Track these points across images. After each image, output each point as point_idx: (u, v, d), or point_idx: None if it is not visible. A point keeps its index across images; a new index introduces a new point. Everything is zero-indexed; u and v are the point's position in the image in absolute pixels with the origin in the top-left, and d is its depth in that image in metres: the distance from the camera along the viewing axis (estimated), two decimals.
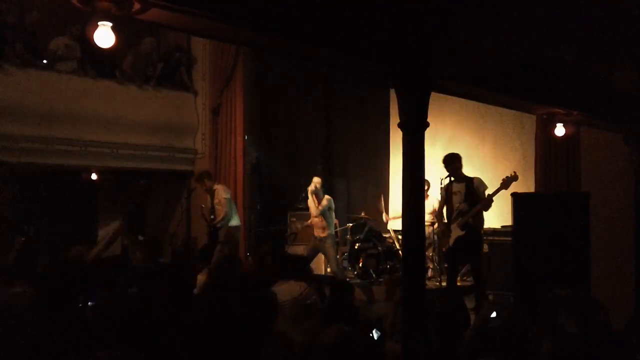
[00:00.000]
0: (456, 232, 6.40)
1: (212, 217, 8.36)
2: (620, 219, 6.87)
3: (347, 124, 10.91)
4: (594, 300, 3.80)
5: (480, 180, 6.42)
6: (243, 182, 9.50)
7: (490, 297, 6.87)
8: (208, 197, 8.48)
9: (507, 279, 6.74)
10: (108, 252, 7.91)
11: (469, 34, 4.05)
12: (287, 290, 4.63)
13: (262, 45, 4.48)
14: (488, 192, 6.33)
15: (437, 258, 8.39)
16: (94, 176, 9.66)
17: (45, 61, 8.30)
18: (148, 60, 9.26)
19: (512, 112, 7.89)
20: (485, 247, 7.24)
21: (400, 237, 7.86)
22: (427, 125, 4.16)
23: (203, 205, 8.63)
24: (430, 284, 7.75)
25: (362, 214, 9.24)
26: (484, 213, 6.47)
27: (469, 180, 6.41)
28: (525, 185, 7.48)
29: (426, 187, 8.04)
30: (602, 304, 3.71)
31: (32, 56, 7.99)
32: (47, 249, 7.41)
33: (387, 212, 9.27)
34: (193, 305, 3.16)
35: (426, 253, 7.80)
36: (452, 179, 6.46)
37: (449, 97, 6.53)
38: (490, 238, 7.48)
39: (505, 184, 6.26)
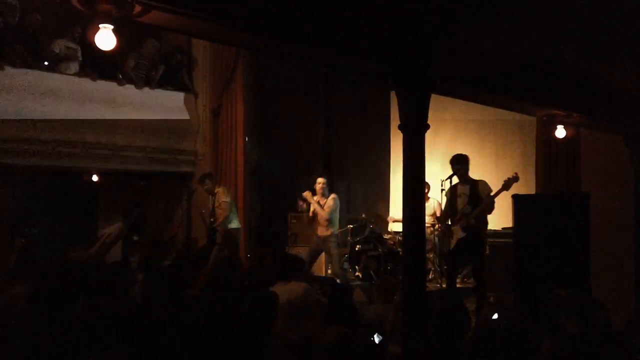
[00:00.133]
0: (458, 233, 6.40)
1: (212, 219, 8.37)
2: (621, 220, 6.88)
3: (348, 125, 10.92)
4: (594, 300, 3.81)
5: (485, 184, 6.41)
6: (243, 183, 9.50)
7: (491, 298, 6.87)
8: (209, 198, 8.49)
9: (507, 280, 6.74)
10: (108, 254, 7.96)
11: (469, 34, 4.06)
12: (289, 290, 4.64)
13: (262, 47, 4.48)
14: (492, 194, 6.32)
15: (437, 260, 8.39)
16: (94, 177, 9.67)
17: (46, 63, 8.32)
18: (149, 62, 9.28)
19: (513, 113, 7.89)
20: (486, 249, 7.24)
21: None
22: (428, 126, 4.16)
23: (203, 211, 8.63)
24: (431, 286, 7.75)
25: (363, 215, 9.24)
26: (488, 216, 6.47)
27: (474, 183, 6.40)
28: (525, 186, 7.48)
29: (426, 189, 8.05)
30: (602, 304, 3.71)
31: (32, 58, 8.00)
32: (48, 250, 7.41)
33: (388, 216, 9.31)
34: (193, 306, 3.17)
35: (427, 255, 7.81)
36: (457, 180, 6.46)
37: (450, 98, 6.53)
38: (491, 240, 7.48)
39: (507, 185, 6.26)
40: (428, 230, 8.09)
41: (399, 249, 8.34)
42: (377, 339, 3.39)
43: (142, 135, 9.10)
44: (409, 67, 4.05)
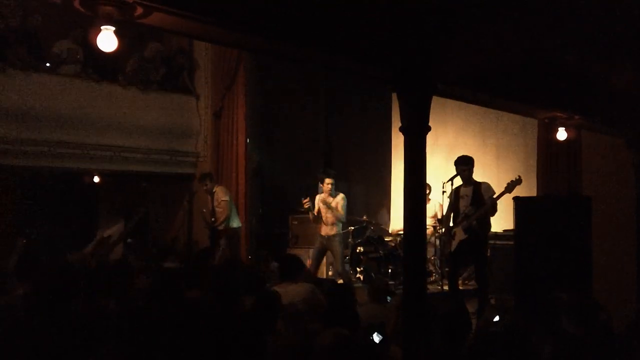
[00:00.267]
0: (460, 235, 6.39)
1: (212, 219, 8.38)
2: (622, 222, 6.87)
3: (349, 127, 10.92)
4: (595, 302, 3.81)
5: (488, 186, 6.40)
6: (245, 185, 9.51)
7: (492, 300, 6.87)
8: (209, 199, 8.50)
9: (508, 282, 6.73)
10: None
11: (470, 34, 4.05)
12: (296, 291, 4.65)
13: (263, 49, 4.50)
14: (494, 196, 6.31)
15: (438, 262, 8.39)
16: (95, 179, 9.68)
17: (48, 64, 8.33)
18: (151, 64, 9.29)
19: (514, 115, 7.90)
20: (488, 251, 7.24)
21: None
22: (429, 128, 4.16)
23: (204, 210, 8.65)
24: (432, 288, 7.74)
25: (364, 217, 9.24)
26: (491, 218, 6.47)
27: (477, 185, 6.40)
28: (527, 188, 7.47)
29: (427, 191, 8.04)
30: (603, 306, 3.71)
31: (34, 59, 8.02)
32: (49, 250, 7.41)
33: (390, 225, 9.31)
34: (194, 307, 3.17)
35: (427, 257, 7.81)
36: (459, 182, 6.45)
37: (451, 100, 6.54)
38: (492, 242, 7.47)
39: (510, 187, 6.25)
40: (429, 232, 8.08)
41: (400, 251, 8.34)
42: (377, 339, 3.39)
43: (144, 137, 9.11)
44: (409, 69, 4.05)
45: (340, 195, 7.68)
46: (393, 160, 10.39)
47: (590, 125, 6.47)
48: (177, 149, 9.63)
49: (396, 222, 9.70)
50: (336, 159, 11.19)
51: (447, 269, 7.39)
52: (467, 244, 6.35)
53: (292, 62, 7.24)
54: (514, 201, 6.34)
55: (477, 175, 6.66)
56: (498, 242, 7.59)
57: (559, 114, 5.87)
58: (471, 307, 5.51)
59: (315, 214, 7.70)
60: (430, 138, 4.18)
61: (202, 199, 9.07)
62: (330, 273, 8.62)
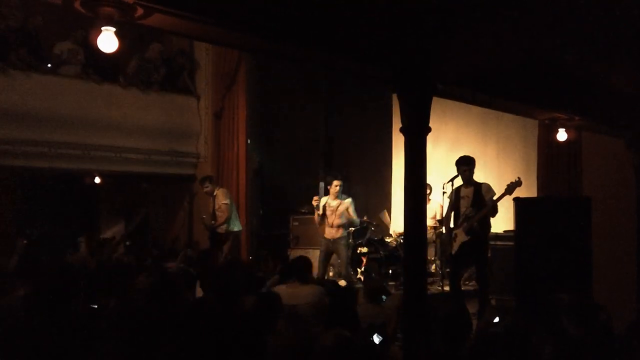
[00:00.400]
0: (461, 236, 6.39)
1: (213, 222, 8.38)
2: (622, 222, 6.87)
3: (350, 128, 10.92)
4: (595, 303, 3.81)
5: (488, 187, 6.38)
6: (245, 186, 9.51)
7: (493, 301, 6.86)
8: (210, 200, 8.50)
9: (509, 282, 6.73)
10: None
11: (470, 35, 4.06)
12: (304, 293, 4.65)
13: (263, 49, 4.50)
14: (494, 198, 6.31)
15: (439, 262, 8.39)
16: (96, 179, 9.68)
17: (48, 65, 8.34)
18: (151, 65, 9.30)
19: (515, 116, 7.90)
20: (488, 252, 7.23)
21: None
22: (429, 129, 4.17)
23: (204, 216, 8.64)
24: (433, 289, 7.74)
25: (365, 218, 9.24)
26: (491, 219, 6.46)
27: (478, 186, 6.38)
28: (527, 189, 7.48)
29: (428, 191, 8.04)
30: (603, 307, 3.71)
31: (35, 60, 8.03)
32: (49, 251, 7.42)
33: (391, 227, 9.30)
34: (194, 307, 3.17)
35: (428, 257, 7.80)
36: (459, 183, 6.44)
37: (451, 101, 6.53)
38: (493, 243, 7.47)
39: (510, 189, 6.23)
40: (430, 233, 8.08)
41: (401, 252, 8.34)
42: (377, 339, 3.39)
43: (144, 138, 9.12)
44: (409, 69, 4.05)
45: (349, 200, 7.60)
46: (393, 161, 10.39)
47: (590, 126, 6.48)
48: (177, 149, 9.64)
49: (397, 222, 9.69)
50: (336, 159, 11.19)
51: (447, 270, 7.39)
52: (468, 246, 6.34)
53: (292, 62, 7.24)
54: (514, 202, 6.33)
55: (478, 176, 6.66)
56: (498, 242, 7.59)
57: (559, 115, 5.87)
58: (472, 308, 5.51)
59: (321, 214, 7.62)
60: (430, 138, 4.18)
61: (202, 200, 9.07)
62: (331, 274, 8.62)
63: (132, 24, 3.37)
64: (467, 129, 9.64)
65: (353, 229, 9.07)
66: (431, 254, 8.38)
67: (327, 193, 7.73)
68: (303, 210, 9.55)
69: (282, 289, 4.76)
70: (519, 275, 6.21)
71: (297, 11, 3.49)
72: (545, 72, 4.82)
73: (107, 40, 3.41)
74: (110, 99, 8.68)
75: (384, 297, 4.88)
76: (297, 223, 9.46)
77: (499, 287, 7.12)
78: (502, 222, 7.44)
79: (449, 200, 6.68)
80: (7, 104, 7.57)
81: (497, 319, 3.90)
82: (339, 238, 7.57)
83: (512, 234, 6.88)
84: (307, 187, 9.62)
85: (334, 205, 7.54)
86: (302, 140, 10.83)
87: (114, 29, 3.39)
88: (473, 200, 6.33)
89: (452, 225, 6.63)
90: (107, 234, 9.89)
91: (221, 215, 8.29)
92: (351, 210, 7.57)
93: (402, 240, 8.17)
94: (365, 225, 9.03)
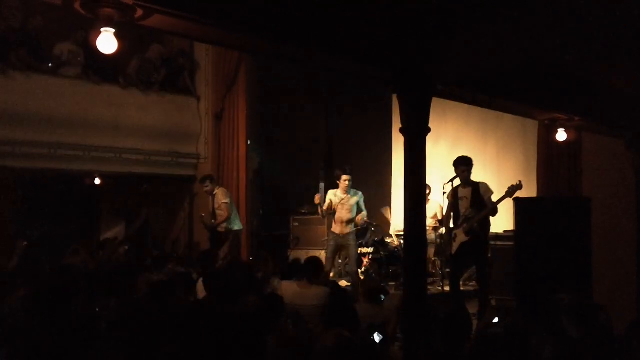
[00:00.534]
0: (461, 237, 6.38)
1: (212, 221, 8.38)
2: (622, 223, 6.87)
3: (350, 128, 10.93)
4: (595, 303, 3.81)
5: (486, 186, 6.38)
6: (246, 186, 9.51)
7: (493, 301, 6.86)
8: (210, 200, 8.50)
9: (509, 283, 6.73)
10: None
11: (469, 34, 4.06)
12: (313, 293, 4.66)
13: (263, 50, 4.50)
14: (494, 198, 6.30)
15: (439, 263, 8.39)
16: (96, 180, 9.68)
17: (50, 65, 8.34)
18: (151, 66, 9.30)
19: (515, 116, 7.90)
20: (488, 252, 7.23)
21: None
22: (429, 130, 4.17)
23: (203, 215, 8.64)
24: (433, 289, 7.74)
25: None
26: (491, 219, 6.46)
27: (476, 186, 6.38)
28: (527, 189, 7.47)
29: (428, 192, 8.04)
30: (603, 308, 3.71)
31: (35, 61, 8.03)
32: (49, 252, 7.43)
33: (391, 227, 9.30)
34: (195, 308, 3.18)
35: (428, 257, 7.81)
36: (459, 183, 6.43)
37: (451, 102, 6.54)
38: (493, 243, 7.47)
39: (510, 192, 6.22)
40: (429, 234, 8.08)
41: (401, 252, 8.34)
42: (377, 338, 3.39)
43: (144, 138, 9.12)
44: (409, 69, 4.06)
45: (359, 194, 7.56)
46: (393, 161, 10.40)
47: (590, 126, 6.48)
48: (177, 150, 9.64)
49: (397, 222, 9.70)
50: (336, 159, 11.19)
51: (447, 270, 7.39)
52: (468, 246, 6.34)
53: (292, 62, 7.25)
54: (514, 202, 6.33)
55: (478, 176, 6.66)
56: (498, 243, 7.59)
57: (559, 116, 5.88)
58: (472, 308, 5.51)
59: (325, 209, 7.53)
60: (430, 139, 4.19)
61: (203, 200, 9.07)
62: (332, 275, 8.61)
63: (132, 25, 3.38)
64: (467, 129, 9.64)
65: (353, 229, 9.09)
66: (431, 253, 8.38)
67: (326, 193, 7.72)
68: (303, 211, 9.55)
69: (292, 286, 4.78)
70: (519, 275, 6.21)
71: (297, 11, 3.49)
72: (545, 72, 4.82)
73: (107, 41, 3.42)
74: (110, 99, 8.68)
75: (382, 297, 4.89)
76: (297, 223, 9.46)
77: (499, 287, 7.12)
78: (502, 222, 7.44)
79: (447, 200, 6.68)
80: (7, 105, 7.57)
81: (497, 320, 3.89)
82: (348, 233, 7.49)
83: (512, 234, 6.87)
84: (307, 187, 9.64)
85: (345, 200, 7.45)
86: (302, 141, 10.83)
87: (113, 30, 3.39)
88: (472, 201, 6.33)
89: (451, 225, 6.63)
90: (108, 235, 9.89)
91: (221, 215, 8.29)
92: (361, 203, 7.53)
93: (402, 241, 8.17)
94: (366, 225, 9.03)
